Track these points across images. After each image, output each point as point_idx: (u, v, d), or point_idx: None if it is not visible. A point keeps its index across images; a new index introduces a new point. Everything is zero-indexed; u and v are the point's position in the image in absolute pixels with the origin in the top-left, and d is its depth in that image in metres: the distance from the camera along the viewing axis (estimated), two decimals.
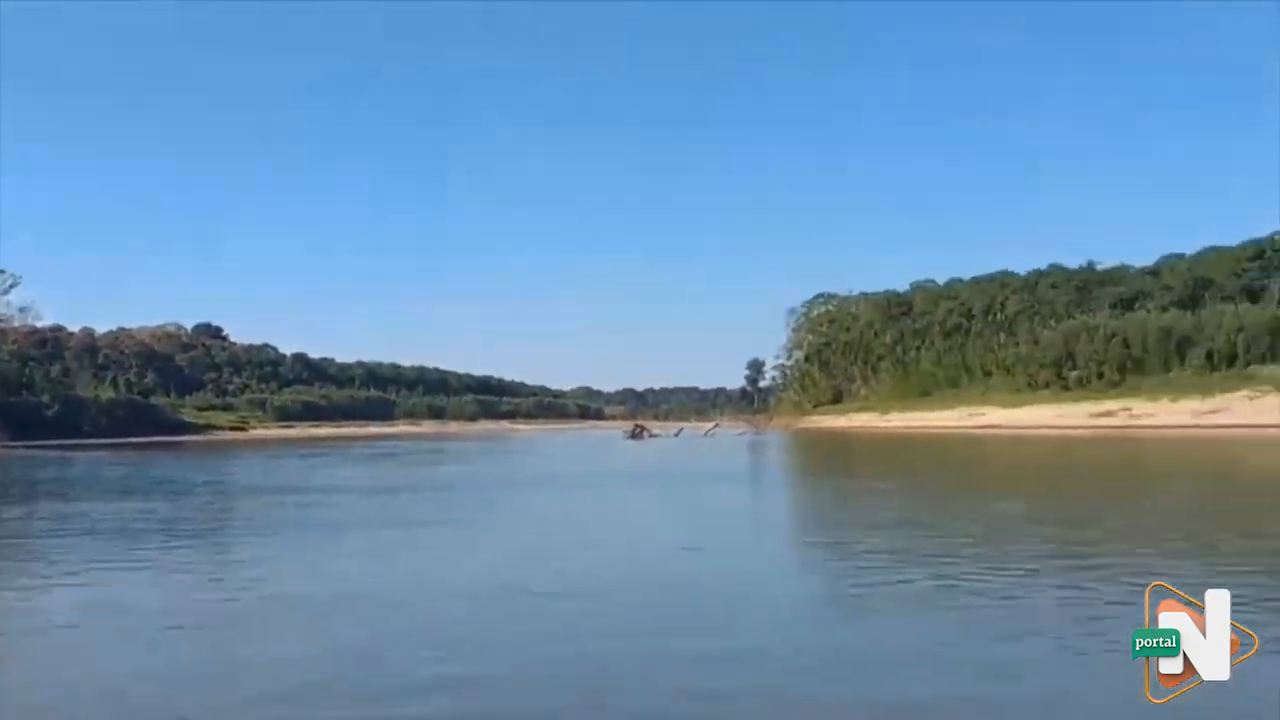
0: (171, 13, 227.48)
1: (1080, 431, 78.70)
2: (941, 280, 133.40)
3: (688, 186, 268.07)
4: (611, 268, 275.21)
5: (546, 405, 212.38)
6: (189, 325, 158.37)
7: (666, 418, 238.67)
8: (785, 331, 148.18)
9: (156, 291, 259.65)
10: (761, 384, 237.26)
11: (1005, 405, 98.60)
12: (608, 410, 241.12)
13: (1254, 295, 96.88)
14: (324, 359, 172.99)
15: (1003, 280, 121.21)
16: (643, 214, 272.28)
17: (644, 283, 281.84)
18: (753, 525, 21.37)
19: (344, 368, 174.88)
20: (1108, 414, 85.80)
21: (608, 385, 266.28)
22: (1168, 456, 44.24)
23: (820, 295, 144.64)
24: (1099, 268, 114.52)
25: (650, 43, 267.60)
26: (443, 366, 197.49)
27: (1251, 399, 77.72)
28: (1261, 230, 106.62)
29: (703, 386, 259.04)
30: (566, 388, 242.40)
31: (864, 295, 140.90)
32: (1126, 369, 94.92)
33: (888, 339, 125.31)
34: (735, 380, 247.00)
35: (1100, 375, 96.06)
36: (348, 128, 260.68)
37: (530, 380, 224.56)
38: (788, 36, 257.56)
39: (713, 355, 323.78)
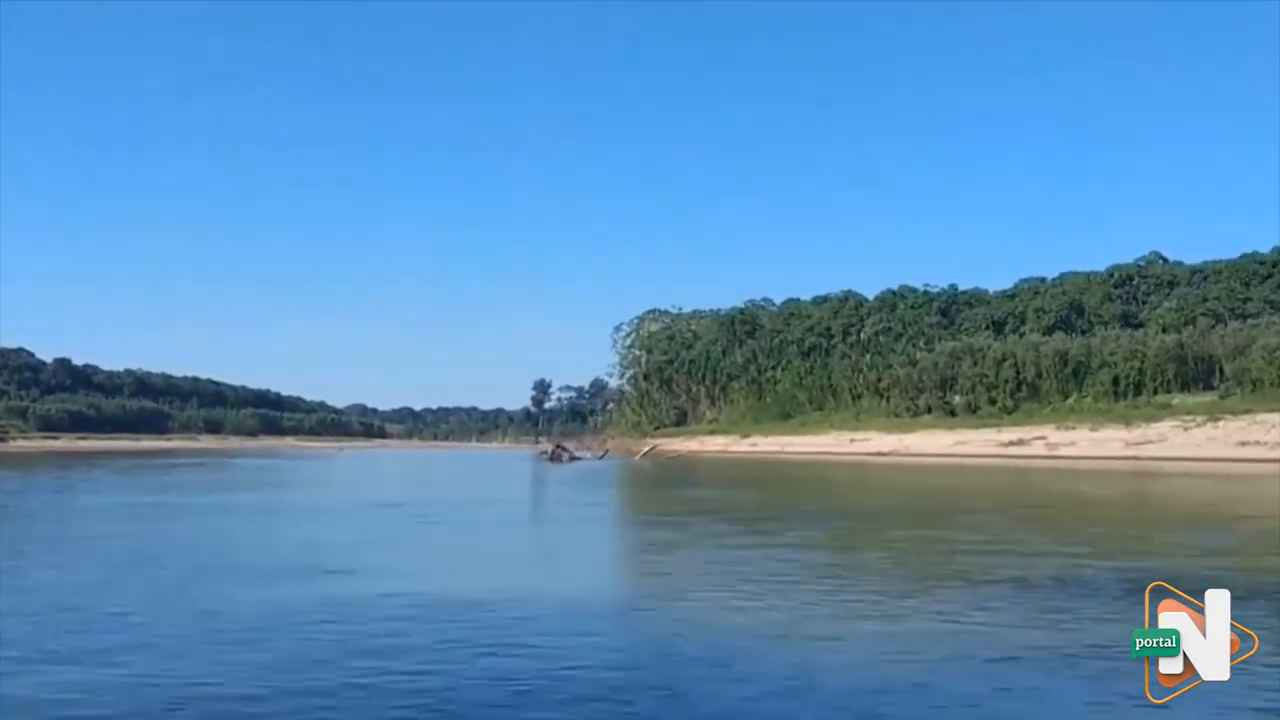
0: None
1: (996, 461, 70.51)
2: (778, 299, 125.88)
3: (465, 201, 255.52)
4: (388, 284, 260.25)
5: (330, 422, 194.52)
6: None
7: (447, 438, 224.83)
8: (613, 350, 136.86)
9: None
10: (547, 405, 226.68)
11: (887, 430, 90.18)
12: (390, 430, 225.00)
13: (1129, 321, 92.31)
14: (88, 366, 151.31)
15: (855, 301, 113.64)
16: (424, 227, 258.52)
17: (420, 300, 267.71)
18: None
19: (111, 376, 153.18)
20: (1019, 442, 78.01)
21: (382, 404, 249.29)
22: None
23: (651, 311, 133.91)
24: (961, 289, 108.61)
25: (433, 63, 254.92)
26: (216, 378, 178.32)
27: (1186, 429, 71.43)
28: (1123, 257, 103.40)
29: (483, 406, 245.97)
30: (340, 405, 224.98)
31: (696, 312, 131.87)
32: (1019, 395, 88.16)
33: (738, 358, 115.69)
34: (516, 401, 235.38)
35: (992, 401, 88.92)
36: (111, 121, 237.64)
37: (307, 395, 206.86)
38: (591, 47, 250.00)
39: (491, 376, 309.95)
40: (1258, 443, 65.11)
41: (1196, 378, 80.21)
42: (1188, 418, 72.67)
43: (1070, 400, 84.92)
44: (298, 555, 14.55)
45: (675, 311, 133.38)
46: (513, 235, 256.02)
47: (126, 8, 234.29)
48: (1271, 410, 68.92)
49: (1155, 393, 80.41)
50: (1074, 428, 77.49)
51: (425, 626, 9.20)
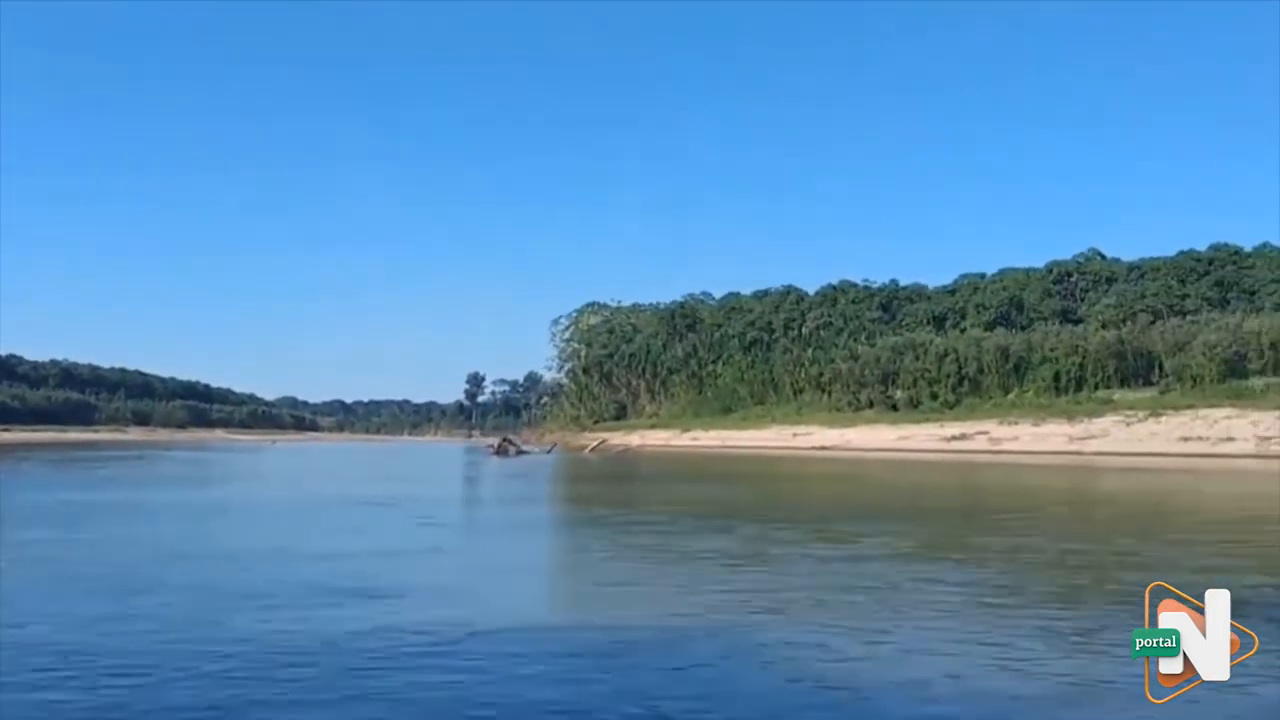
0: None
1: (941, 456, 70.30)
2: (717, 294, 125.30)
3: (401, 201, 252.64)
4: (320, 275, 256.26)
5: (260, 415, 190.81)
6: None
7: (379, 431, 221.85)
8: (552, 343, 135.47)
9: None
10: (481, 398, 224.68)
11: (829, 424, 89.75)
12: (321, 422, 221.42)
13: (1068, 317, 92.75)
14: (12, 356, 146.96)
15: (796, 295, 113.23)
16: (355, 219, 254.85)
17: (351, 293, 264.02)
18: None
19: (36, 366, 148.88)
20: (962, 437, 77.95)
21: (313, 396, 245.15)
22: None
23: (591, 305, 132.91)
24: (901, 285, 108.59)
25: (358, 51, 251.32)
26: (144, 369, 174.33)
27: (1128, 424, 71.66)
28: (1061, 253, 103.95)
29: (415, 400, 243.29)
30: (270, 397, 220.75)
31: (636, 306, 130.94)
32: (961, 390, 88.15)
33: (679, 352, 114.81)
34: (448, 394, 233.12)
35: (934, 395, 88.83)
36: (42, 109, 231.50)
37: (236, 387, 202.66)
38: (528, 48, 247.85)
39: (423, 369, 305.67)
40: (1200, 438, 65.56)
41: (1136, 373, 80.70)
42: (1129, 413, 72.99)
43: (1011, 395, 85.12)
44: (313, 571, 12.37)
45: (614, 305, 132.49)
46: (446, 225, 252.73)
47: None
48: (1212, 406, 69.47)
49: (1096, 388, 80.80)
50: (1016, 422, 77.55)
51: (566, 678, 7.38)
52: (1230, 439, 64.07)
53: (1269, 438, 62.38)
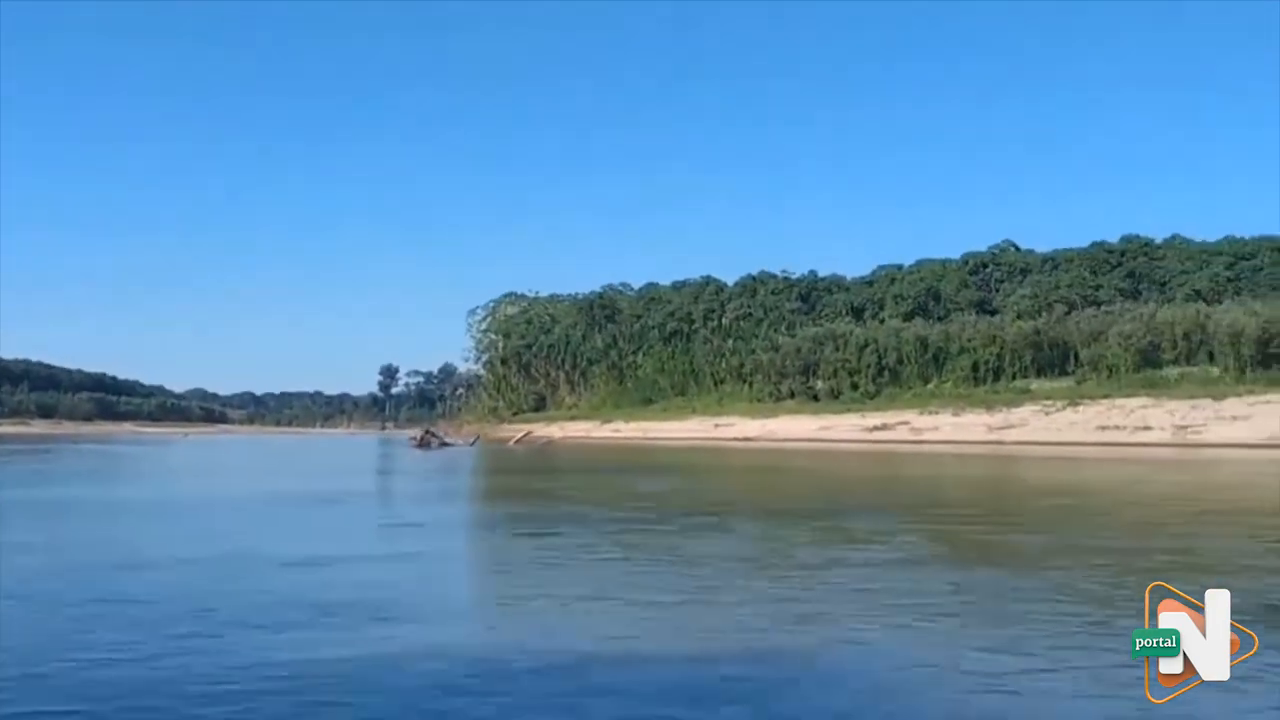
0: None
1: (864, 447, 70.25)
2: (636, 284, 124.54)
3: (310, 187, 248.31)
4: (229, 264, 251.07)
5: (169, 407, 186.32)
6: None
7: (290, 423, 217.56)
8: (469, 334, 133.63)
9: None
10: (395, 390, 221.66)
11: (751, 415, 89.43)
12: (231, 415, 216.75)
13: (984, 308, 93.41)
14: None
15: (715, 286, 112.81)
16: (270, 210, 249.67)
17: (262, 282, 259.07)
18: None
19: None
20: (883, 427, 77.92)
21: (223, 388, 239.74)
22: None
23: (509, 295, 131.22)
24: (820, 276, 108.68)
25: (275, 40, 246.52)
26: (48, 360, 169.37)
27: (1047, 414, 72.17)
28: (977, 244, 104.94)
29: (328, 391, 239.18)
30: (179, 389, 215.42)
31: (555, 297, 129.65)
32: (881, 380, 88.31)
33: (598, 342, 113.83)
34: (361, 386, 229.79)
35: (854, 386, 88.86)
36: None
37: (145, 379, 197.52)
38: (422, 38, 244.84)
39: (335, 360, 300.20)
40: (1117, 427, 66.12)
41: (1052, 363, 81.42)
42: (1048, 402, 73.43)
43: (931, 385, 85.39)
44: (293, 581, 10.80)
45: (532, 295, 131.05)
46: (358, 213, 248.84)
47: None
48: (1128, 395, 70.32)
49: (1014, 378, 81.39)
50: (937, 412, 77.72)
51: None
52: (1147, 428, 64.72)
53: (1185, 426, 63.22)
